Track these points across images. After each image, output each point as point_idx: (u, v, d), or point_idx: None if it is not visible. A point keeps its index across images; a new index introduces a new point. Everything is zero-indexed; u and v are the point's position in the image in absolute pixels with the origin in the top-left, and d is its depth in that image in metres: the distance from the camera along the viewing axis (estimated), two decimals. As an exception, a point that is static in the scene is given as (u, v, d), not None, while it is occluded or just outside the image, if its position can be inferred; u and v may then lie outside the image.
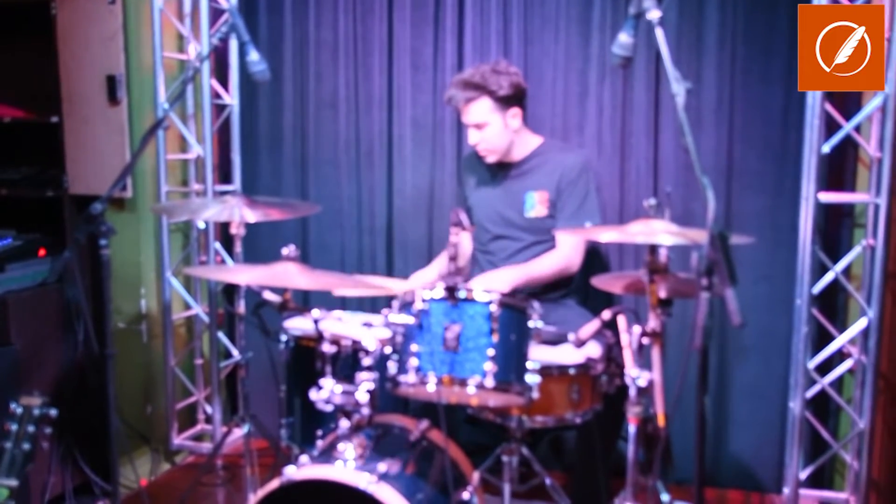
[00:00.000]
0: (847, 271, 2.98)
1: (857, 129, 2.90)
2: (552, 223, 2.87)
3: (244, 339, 2.87)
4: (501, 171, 2.97)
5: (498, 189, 2.98)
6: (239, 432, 2.84)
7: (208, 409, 3.67)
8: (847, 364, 3.00)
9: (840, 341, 2.98)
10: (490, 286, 2.45)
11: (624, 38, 2.05)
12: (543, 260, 2.85)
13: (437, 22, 3.37)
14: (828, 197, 2.90)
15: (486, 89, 2.79)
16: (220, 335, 3.61)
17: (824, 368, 3.01)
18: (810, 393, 2.97)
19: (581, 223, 2.81)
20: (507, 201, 2.94)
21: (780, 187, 3.07)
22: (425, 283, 2.90)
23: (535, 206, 2.89)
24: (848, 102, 2.96)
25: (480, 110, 2.82)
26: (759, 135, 3.09)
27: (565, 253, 2.85)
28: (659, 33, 1.86)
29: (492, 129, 2.84)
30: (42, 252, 3.05)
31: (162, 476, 3.44)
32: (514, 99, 2.84)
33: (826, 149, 2.84)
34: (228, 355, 3.69)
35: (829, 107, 2.84)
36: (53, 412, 1.96)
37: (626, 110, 3.19)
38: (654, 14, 1.89)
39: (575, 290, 2.98)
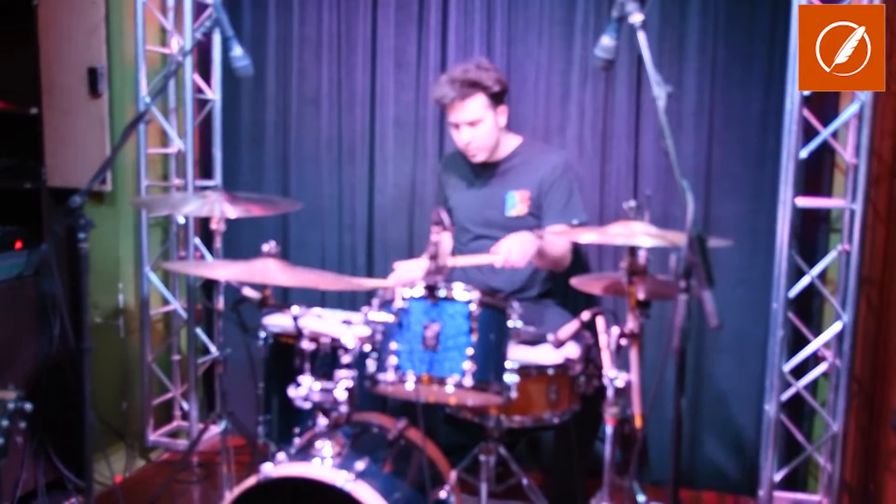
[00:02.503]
0: (823, 276, 3.02)
1: (835, 135, 2.93)
2: (533, 222, 2.88)
3: (222, 335, 2.85)
4: (482, 170, 2.97)
5: (479, 189, 2.98)
6: (216, 429, 2.83)
7: (185, 405, 3.65)
8: (822, 367, 3.04)
9: (815, 345, 3.01)
10: (514, 245, 2.56)
11: (606, 40, 2.06)
12: (557, 237, 2.81)
13: (421, 21, 3.37)
14: (805, 202, 2.94)
15: (481, 85, 2.79)
16: (199, 331, 3.59)
17: (799, 371, 3.05)
18: (785, 396, 3.00)
19: (568, 221, 2.82)
20: (488, 201, 2.94)
21: (758, 192, 3.10)
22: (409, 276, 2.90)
23: (516, 205, 2.90)
24: (826, 108, 2.99)
25: (475, 107, 2.81)
26: (738, 139, 3.11)
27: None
28: (641, 37, 1.87)
29: (485, 127, 2.84)
30: (19, 244, 3.01)
31: (137, 473, 3.41)
32: (502, 96, 2.85)
33: (804, 154, 2.87)
34: (206, 351, 3.67)
35: (807, 113, 2.87)
36: (28, 406, 1.94)
37: (607, 112, 3.20)
38: (636, 18, 1.90)
39: (554, 290, 2.99)
